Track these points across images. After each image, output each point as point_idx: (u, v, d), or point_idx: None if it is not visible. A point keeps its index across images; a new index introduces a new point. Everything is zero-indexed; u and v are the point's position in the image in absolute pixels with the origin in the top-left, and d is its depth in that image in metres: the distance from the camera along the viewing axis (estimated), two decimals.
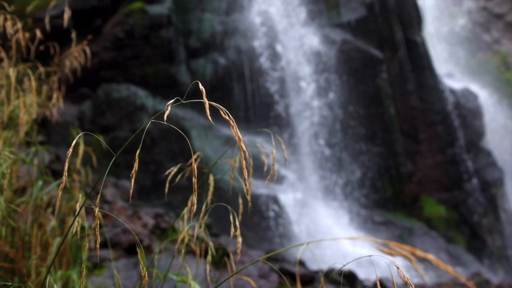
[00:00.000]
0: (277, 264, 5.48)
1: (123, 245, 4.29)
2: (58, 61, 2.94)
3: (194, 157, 1.96)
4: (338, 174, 10.46)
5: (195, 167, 1.08)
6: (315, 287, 4.83)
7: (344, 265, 1.18)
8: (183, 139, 9.17)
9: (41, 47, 2.86)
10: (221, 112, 1.05)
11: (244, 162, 1.05)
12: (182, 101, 1.07)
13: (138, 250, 1.14)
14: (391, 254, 1.18)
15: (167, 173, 1.68)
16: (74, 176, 2.79)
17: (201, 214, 1.66)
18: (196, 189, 1.08)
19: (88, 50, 2.92)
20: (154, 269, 1.81)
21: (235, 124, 1.05)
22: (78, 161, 2.56)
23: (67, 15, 2.60)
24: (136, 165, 1.08)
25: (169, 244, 4.14)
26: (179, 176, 1.75)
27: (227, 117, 1.04)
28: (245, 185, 1.08)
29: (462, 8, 15.88)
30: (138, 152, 1.09)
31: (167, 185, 1.63)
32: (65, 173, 1.01)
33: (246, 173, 1.06)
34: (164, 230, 5.64)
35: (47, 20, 2.80)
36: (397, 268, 0.98)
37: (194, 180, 1.08)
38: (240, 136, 1.03)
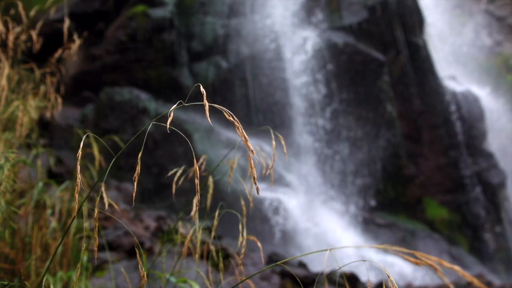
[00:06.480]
0: (279, 266, 5.48)
1: (125, 247, 4.30)
2: (57, 63, 2.96)
3: (201, 160, 1.97)
4: (340, 177, 10.46)
5: (197, 168, 1.08)
6: None
7: (340, 267, 1.19)
8: (185, 142, 9.18)
9: (37, 48, 2.88)
10: (225, 114, 1.04)
11: (251, 162, 1.04)
12: (184, 103, 1.07)
13: (137, 251, 1.15)
14: (417, 264, 1.17)
15: (169, 174, 1.69)
16: (81, 178, 2.79)
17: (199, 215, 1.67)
18: (198, 190, 1.08)
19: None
20: (155, 270, 1.81)
21: (240, 125, 1.03)
22: (97, 163, 2.58)
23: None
24: (138, 168, 1.08)
25: (171, 246, 4.14)
26: (182, 179, 1.75)
27: (231, 118, 1.03)
28: (255, 183, 1.07)
29: (463, 11, 15.88)
30: (140, 154, 1.09)
31: (173, 186, 1.64)
32: (78, 175, 1.02)
33: (254, 172, 1.04)
34: (166, 232, 5.65)
35: (64, 27, 2.82)
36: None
37: (197, 181, 1.07)
38: (246, 136, 1.02)
